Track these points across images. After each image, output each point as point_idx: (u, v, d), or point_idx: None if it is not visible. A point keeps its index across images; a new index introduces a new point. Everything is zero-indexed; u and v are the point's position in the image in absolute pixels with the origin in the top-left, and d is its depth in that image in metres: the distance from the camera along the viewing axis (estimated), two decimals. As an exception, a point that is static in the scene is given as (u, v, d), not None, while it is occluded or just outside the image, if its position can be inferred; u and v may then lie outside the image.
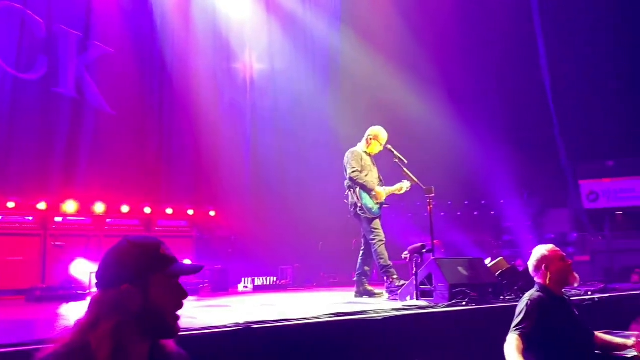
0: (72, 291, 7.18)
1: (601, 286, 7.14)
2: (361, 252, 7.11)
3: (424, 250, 6.28)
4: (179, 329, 1.86)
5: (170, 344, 1.90)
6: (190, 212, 10.18)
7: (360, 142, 7.24)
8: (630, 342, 3.65)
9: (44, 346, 1.74)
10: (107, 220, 8.93)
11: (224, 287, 8.88)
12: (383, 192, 6.98)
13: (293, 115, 12.04)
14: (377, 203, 6.92)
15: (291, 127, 11.97)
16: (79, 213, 8.75)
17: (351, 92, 12.34)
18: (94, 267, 7.70)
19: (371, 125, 7.26)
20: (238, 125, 11.63)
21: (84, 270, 7.75)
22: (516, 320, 3.71)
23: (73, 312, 5.69)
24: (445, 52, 12.97)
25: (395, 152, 7.06)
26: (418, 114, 11.97)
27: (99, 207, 8.99)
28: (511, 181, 12.05)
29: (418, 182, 6.96)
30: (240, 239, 10.50)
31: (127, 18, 10.10)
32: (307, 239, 11.07)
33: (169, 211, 9.94)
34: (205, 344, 3.51)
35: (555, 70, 12.68)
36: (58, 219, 8.47)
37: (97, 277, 1.82)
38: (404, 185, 7.07)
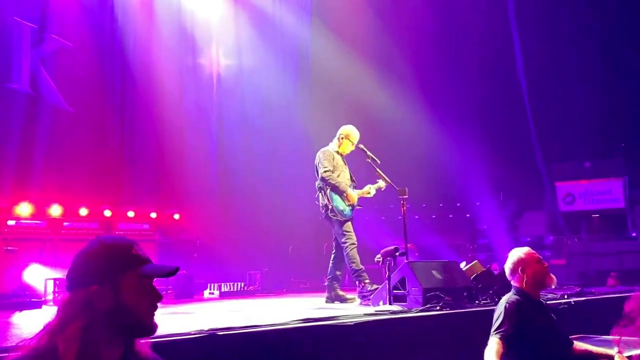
0: (25, 299, 7.01)
1: (577, 290, 7.26)
2: (332, 256, 7.11)
3: (397, 254, 6.30)
4: (156, 326, 1.86)
5: (146, 349, 1.90)
6: (153, 215, 10.07)
7: (332, 141, 7.25)
8: (612, 351, 3.69)
9: (8, 354, 1.71)
10: (64, 223, 8.74)
11: (188, 293, 8.79)
12: (355, 194, 7.00)
13: (262, 114, 12.00)
14: (349, 205, 6.93)
15: (260, 126, 11.93)
16: (33, 216, 8.56)
17: (322, 90, 12.37)
18: (49, 273, 7.59)
19: (343, 124, 7.28)
20: (204, 123, 11.56)
21: (38, 276, 7.60)
22: (496, 324, 3.75)
23: (27, 321, 5.57)
24: (421, 49, 13.09)
25: (368, 152, 7.09)
26: (392, 113, 12.06)
27: (55, 210, 8.81)
28: (487, 183, 12.22)
29: (391, 183, 7.00)
30: (206, 243, 10.44)
31: (86, 10, 9.95)
32: (277, 242, 11.06)
33: (131, 214, 9.82)
34: (168, 352, 3.46)
35: (531, 70, 12.90)
36: (11, 222, 8.26)
37: (67, 279, 1.82)
38: (379, 186, 7.10)
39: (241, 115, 12.01)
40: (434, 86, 13.06)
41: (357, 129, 7.23)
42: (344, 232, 6.86)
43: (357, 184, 7.24)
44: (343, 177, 7.04)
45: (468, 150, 12.17)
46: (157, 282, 1.86)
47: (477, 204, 12.77)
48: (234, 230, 10.90)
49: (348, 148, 7.16)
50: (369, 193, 7.14)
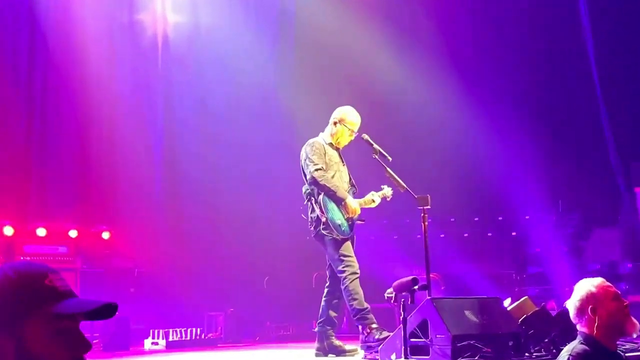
0: None
1: (667, 338, 7.29)
2: (326, 291, 7.12)
3: (416, 287, 6.28)
4: None
5: None
6: (73, 233, 10.09)
7: (323, 131, 7.22)
8: None
9: None
10: (-53, 245, 8.77)
11: (123, 343, 8.85)
12: (356, 203, 6.97)
13: (226, 91, 11.98)
14: (348, 218, 6.90)
15: (223, 108, 11.91)
16: None
17: (311, 59, 12.36)
18: None
19: (339, 106, 7.25)
20: (145, 105, 11.55)
21: None
22: (555, 385, 3.76)
23: None
24: (454, 7, 13.09)
25: (375, 145, 7.06)
26: (407, 92, 12.05)
27: None
28: (540, 189, 12.22)
29: (407, 189, 6.97)
30: (148, 273, 10.44)
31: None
32: (247, 272, 11.04)
33: (41, 232, 9.83)
34: None
35: (602, 41, 12.88)
36: None
37: None
38: (384, 193, 7.10)
39: (197, 94, 11.99)
40: (469, 56, 13.08)
41: (359, 112, 7.20)
42: (342, 257, 6.83)
43: (358, 190, 7.23)
44: (339, 178, 7.00)
45: (515, 144, 12.18)
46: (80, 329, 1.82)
47: (527, 217, 12.78)
48: (186, 254, 10.89)
49: (345, 137, 7.13)
50: (373, 202, 7.12)
